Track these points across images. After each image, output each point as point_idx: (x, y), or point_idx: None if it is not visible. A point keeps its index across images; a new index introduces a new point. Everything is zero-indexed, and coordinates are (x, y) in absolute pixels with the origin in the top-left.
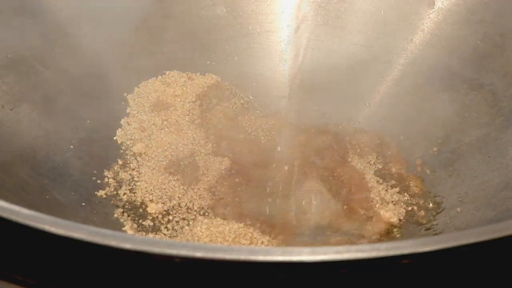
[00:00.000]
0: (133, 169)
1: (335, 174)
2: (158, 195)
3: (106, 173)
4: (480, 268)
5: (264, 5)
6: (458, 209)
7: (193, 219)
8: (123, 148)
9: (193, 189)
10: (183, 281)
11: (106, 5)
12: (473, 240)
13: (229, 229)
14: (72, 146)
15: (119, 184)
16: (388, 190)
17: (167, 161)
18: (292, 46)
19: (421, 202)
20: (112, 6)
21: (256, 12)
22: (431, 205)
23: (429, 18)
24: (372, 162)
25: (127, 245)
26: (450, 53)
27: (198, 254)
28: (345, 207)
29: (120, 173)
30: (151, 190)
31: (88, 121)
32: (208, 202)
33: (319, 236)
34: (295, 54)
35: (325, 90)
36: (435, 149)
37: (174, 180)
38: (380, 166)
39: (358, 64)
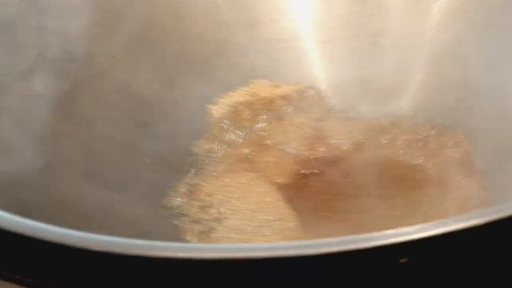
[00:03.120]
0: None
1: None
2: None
3: (179, 184)
4: None
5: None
6: None
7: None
8: (201, 159)
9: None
10: None
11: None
12: None
13: None
14: (147, 160)
15: (190, 195)
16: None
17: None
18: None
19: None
20: None
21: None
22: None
23: None
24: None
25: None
26: None
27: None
28: None
29: (193, 184)
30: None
31: (167, 134)
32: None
33: None
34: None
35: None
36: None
37: None
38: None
39: None
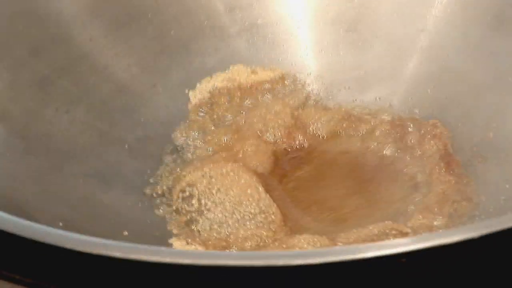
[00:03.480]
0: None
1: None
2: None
3: (159, 171)
4: None
5: None
6: (503, 197)
7: None
8: (180, 146)
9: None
10: None
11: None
12: None
13: None
14: (127, 146)
15: (171, 184)
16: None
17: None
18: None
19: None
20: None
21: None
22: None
23: None
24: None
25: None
26: None
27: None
28: None
29: (173, 172)
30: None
31: (146, 120)
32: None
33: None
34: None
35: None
36: (490, 135)
37: None
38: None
39: None
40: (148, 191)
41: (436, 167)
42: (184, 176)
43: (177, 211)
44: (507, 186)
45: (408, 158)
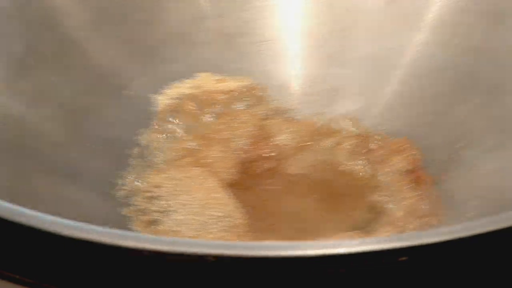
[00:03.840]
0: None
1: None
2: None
3: (124, 173)
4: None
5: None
6: (472, 213)
7: None
8: (146, 149)
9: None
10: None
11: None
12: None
13: None
14: (92, 146)
15: (137, 185)
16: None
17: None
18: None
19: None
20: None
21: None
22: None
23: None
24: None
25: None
26: None
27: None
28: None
29: (139, 173)
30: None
31: (112, 121)
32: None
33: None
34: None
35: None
36: (458, 153)
37: None
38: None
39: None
40: (113, 191)
41: (403, 182)
42: (150, 177)
43: (141, 211)
44: (475, 203)
45: (375, 172)
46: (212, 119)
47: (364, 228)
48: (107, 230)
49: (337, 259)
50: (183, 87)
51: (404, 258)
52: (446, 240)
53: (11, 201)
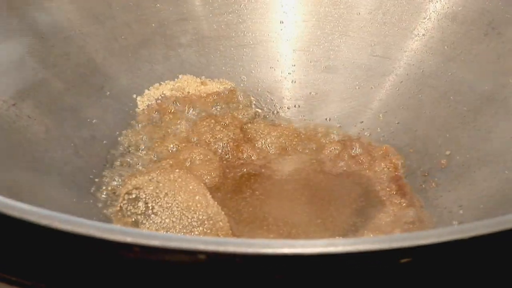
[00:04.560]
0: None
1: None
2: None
3: (105, 172)
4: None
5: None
6: (456, 222)
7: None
8: (127, 149)
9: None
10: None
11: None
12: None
13: None
14: (72, 144)
15: (117, 185)
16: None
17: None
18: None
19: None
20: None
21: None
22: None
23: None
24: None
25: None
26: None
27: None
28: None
29: (119, 174)
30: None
31: (93, 121)
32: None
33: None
34: (305, 61)
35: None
36: (443, 162)
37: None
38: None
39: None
40: (93, 190)
41: (387, 188)
42: (130, 179)
43: (122, 212)
44: (460, 211)
45: (358, 178)
46: (193, 121)
47: (348, 233)
48: (97, 224)
49: (336, 258)
50: (165, 89)
51: (406, 260)
52: (446, 241)
53: None
